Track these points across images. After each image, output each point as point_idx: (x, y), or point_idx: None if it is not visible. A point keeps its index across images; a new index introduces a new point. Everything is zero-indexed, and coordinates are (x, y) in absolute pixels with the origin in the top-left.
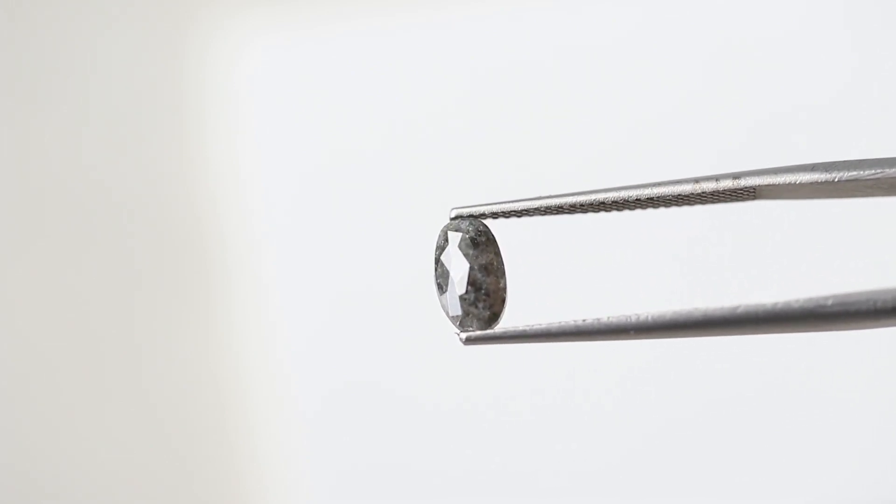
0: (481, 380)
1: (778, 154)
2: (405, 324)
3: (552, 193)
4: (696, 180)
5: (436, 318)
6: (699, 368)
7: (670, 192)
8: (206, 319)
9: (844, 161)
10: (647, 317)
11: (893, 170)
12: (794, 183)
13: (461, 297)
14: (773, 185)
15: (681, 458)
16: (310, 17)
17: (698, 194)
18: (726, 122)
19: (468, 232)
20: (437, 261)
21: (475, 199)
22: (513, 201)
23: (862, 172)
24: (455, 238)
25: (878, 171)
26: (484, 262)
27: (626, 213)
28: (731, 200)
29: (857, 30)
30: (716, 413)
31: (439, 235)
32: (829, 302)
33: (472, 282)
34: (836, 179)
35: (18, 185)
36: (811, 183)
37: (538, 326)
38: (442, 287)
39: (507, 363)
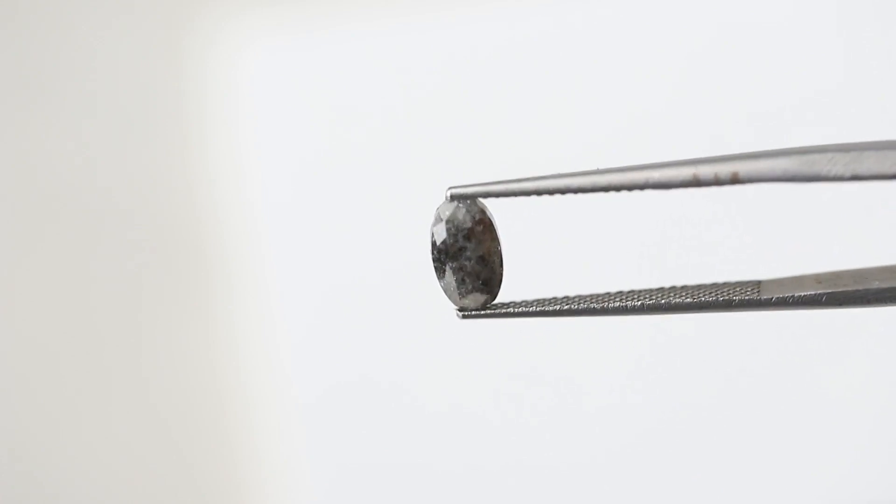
0: (480, 375)
1: (768, 148)
2: (404, 321)
3: (549, 174)
4: (696, 175)
5: (435, 313)
6: (699, 366)
7: (669, 181)
8: (206, 317)
9: (841, 146)
10: (642, 303)
11: None
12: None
13: (458, 285)
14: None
15: (680, 456)
16: (310, 17)
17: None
18: (719, 113)
19: (465, 222)
20: (434, 245)
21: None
22: (511, 181)
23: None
24: (452, 230)
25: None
26: (481, 252)
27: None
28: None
29: (849, 20)
30: (715, 412)
31: (435, 218)
32: (823, 298)
33: (469, 272)
34: (850, 175)
35: (18, 186)
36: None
37: (532, 305)
38: (439, 271)
39: (507, 357)
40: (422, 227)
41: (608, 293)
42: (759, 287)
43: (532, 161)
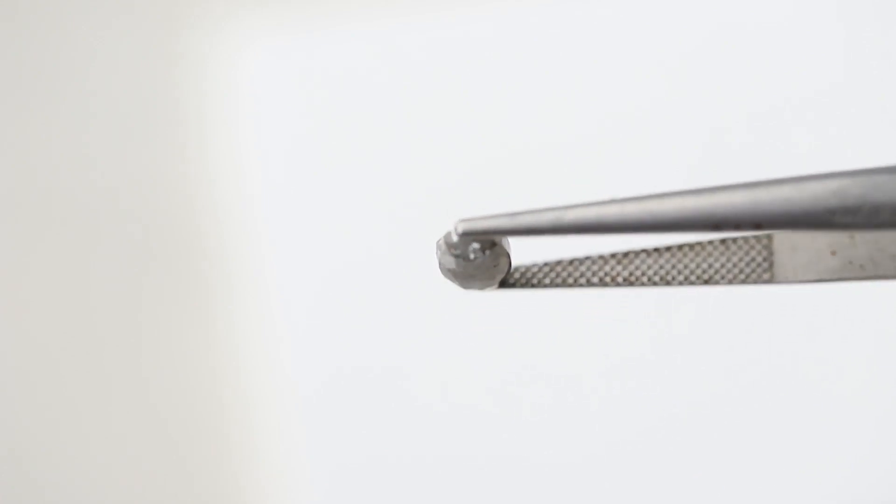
0: (482, 372)
1: (768, 148)
2: (405, 319)
3: (564, 205)
4: (716, 225)
5: (436, 314)
6: (699, 365)
7: (690, 232)
8: (205, 317)
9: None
10: (652, 279)
11: None
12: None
13: (466, 288)
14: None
15: (681, 456)
16: (310, 18)
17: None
18: (718, 112)
19: (477, 256)
20: (440, 266)
21: (474, 193)
22: (522, 214)
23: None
24: (461, 261)
25: None
26: (492, 273)
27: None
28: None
29: (849, 21)
30: (716, 411)
31: (443, 245)
32: (836, 279)
33: (477, 281)
34: (872, 226)
35: (17, 186)
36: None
37: (536, 275)
38: (445, 274)
39: (509, 351)
40: (422, 228)
41: (614, 255)
42: (770, 245)
43: (533, 161)
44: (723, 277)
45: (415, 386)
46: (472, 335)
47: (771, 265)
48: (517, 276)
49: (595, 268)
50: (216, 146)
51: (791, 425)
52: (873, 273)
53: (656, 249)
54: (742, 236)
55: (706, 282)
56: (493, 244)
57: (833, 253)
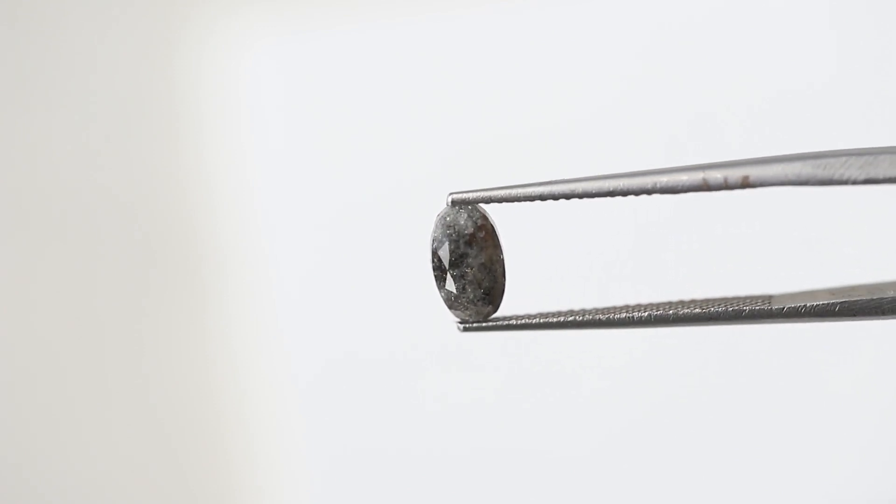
0: (481, 369)
1: (759, 141)
2: (404, 319)
3: (554, 179)
4: (705, 179)
5: (435, 313)
6: (701, 365)
7: (678, 185)
8: (201, 316)
9: (854, 150)
10: (649, 314)
11: None
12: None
13: (459, 293)
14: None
15: (681, 456)
16: (308, 15)
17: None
18: (718, 109)
19: (467, 227)
20: (434, 252)
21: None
22: (514, 186)
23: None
24: (453, 235)
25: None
26: (483, 259)
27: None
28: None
29: (840, 16)
30: (716, 412)
31: (436, 224)
32: (837, 308)
33: (470, 280)
34: (864, 178)
35: (13, 185)
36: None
37: (535, 318)
38: (440, 280)
39: (510, 346)
40: (420, 226)
41: (613, 307)
42: (769, 300)
43: (533, 158)
44: (721, 315)
45: (413, 379)
46: (471, 334)
47: (769, 303)
48: (513, 320)
49: (593, 312)
50: (213, 146)
51: (791, 425)
52: (872, 296)
53: (656, 303)
54: (745, 295)
55: (705, 311)
56: (485, 222)
57: (832, 294)
